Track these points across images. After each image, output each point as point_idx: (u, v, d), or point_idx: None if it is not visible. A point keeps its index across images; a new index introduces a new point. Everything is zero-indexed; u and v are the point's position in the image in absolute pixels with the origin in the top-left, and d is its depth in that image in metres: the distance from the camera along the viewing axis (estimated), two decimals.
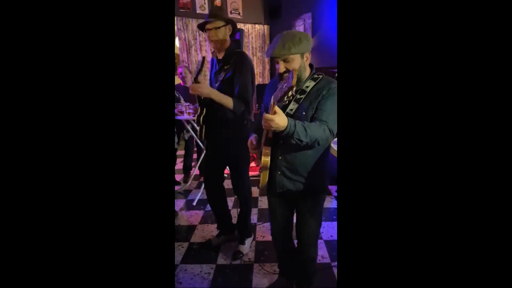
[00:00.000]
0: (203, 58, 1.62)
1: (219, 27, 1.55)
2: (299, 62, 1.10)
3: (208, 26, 1.56)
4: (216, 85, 1.65)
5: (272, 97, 0.96)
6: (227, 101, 1.55)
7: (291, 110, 1.12)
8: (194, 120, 2.75)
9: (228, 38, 1.63)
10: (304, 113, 1.10)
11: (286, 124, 0.95)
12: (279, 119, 0.93)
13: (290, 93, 0.89)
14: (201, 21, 1.66)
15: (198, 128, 1.74)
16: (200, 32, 4.23)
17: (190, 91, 1.56)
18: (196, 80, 1.55)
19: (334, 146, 1.50)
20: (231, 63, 1.60)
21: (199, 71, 1.57)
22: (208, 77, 1.57)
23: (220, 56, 1.66)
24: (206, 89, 1.53)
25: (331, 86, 1.09)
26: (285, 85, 0.90)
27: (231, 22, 1.62)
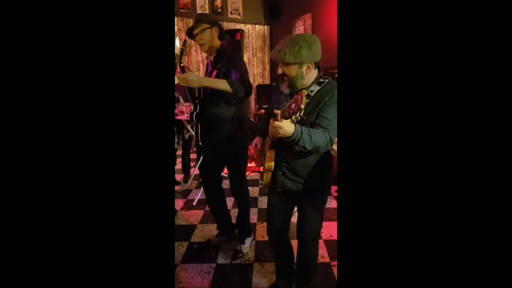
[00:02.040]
0: (185, 39, 1.58)
1: (204, 30, 1.57)
2: (295, 71, 1.09)
3: (194, 31, 1.59)
4: None
5: (280, 111, 0.95)
6: (223, 85, 1.46)
7: (300, 116, 1.11)
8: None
9: (216, 39, 1.64)
10: (305, 117, 1.10)
11: (293, 131, 0.95)
12: (287, 126, 0.93)
13: (298, 115, 0.87)
14: None
15: (191, 128, 1.73)
16: None
17: (178, 82, 1.47)
18: (182, 68, 1.51)
19: (333, 146, 1.51)
20: (223, 62, 1.61)
21: (182, 53, 1.53)
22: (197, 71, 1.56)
23: (212, 58, 1.69)
24: (194, 77, 1.45)
25: (334, 93, 1.08)
26: (293, 104, 0.89)
27: (217, 24, 1.63)
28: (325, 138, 1.03)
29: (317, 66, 1.15)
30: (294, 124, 0.95)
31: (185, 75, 1.45)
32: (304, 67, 1.09)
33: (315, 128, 1.05)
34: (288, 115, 0.91)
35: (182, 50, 1.59)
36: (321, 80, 1.14)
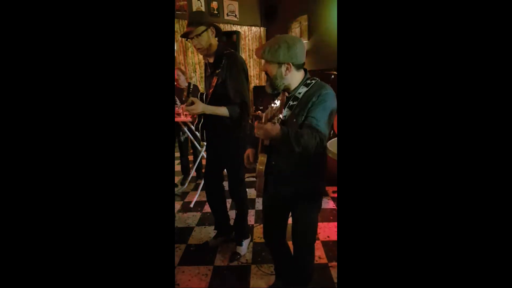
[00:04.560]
0: (189, 84, 1.65)
1: (200, 34, 1.51)
2: (275, 70, 1.09)
3: (190, 35, 1.52)
4: (210, 90, 1.64)
5: (264, 113, 0.97)
6: (222, 111, 1.56)
7: (285, 116, 1.11)
8: (191, 122, 2.77)
9: (213, 41, 1.59)
10: (294, 120, 1.10)
11: (279, 133, 0.96)
12: (271, 128, 0.94)
13: (279, 116, 0.89)
14: None
15: (197, 132, 1.76)
16: None
17: (184, 112, 1.58)
18: (189, 102, 1.54)
19: (331, 148, 1.52)
20: (222, 67, 1.58)
21: (188, 95, 1.56)
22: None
23: (211, 60, 1.64)
24: (199, 108, 1.53)
25: (322, 93, 1.08)
26: (274, 106, 0.91)
27: (212, 24, 1.57)
28: (314, 138, 1.02)
29: (303, 68, 1.16)
30: (281, 126, 0.96)
31: (192, 107, 1.51)
32: (283, 68, 1.09)
33: (305, 129, 1.05)
34: (270, 117, 0.92)
35: (188, 92, 1.58)
36: (308, 81, 1.15)
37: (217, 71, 1.60)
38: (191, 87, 1.55)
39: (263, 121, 0.94)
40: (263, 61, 1.12)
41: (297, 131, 1.00)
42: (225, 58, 1.59)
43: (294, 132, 0.99)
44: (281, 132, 0.96)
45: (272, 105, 0.92)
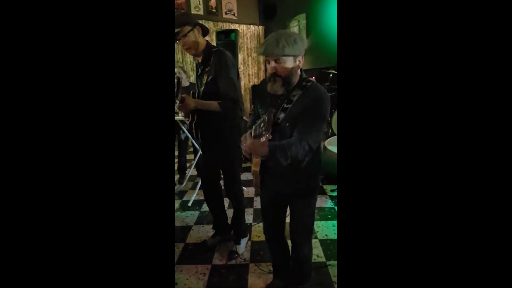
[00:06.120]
0: (178, 79, 1.66)
1: (186, 34, 1.53)
2: (291, 65, 1.05)
3: (177, 36, 1.54)
4: (202, 88, 1.65)
5: (253, 128, 0.98)
6: (214, 106, 1.58)
7: (278, 119, 1.08)
8: (185, 120, 2.77)
9: (200, 40, 1.60)
10: (288, 124, 1.07)
11: (266, 150, 0.96)
12: (259, 144, 0.95)
13: (267, 135, 0.90)
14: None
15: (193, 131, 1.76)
16: None
17: (177, 109, 1.62)
18: (179, 99, 1.56)
19: (331, 148, 1.52)
20: (211, 64, 1.59)
21: (177, 91, 1.60)
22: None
23: (200, 60, 1.66)
24: (191, 103, 1.56)
25: (316, 98, 1.05)
26: (262, 124, 0.92)
27: (198, 24, 1.59)
28: (303, 148, 1.01)
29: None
30: (268, 143, 0.96)
31: (184, 103, 1.54)
32: (297, 61, 1.07)
33: (294, 138, 1.03)
34: (258, 133, 0.92)
35: (177, 89, 1.60)
36: (304, 83, 1.09)
37: (207, 69, 1.62)
38: (181, 84, 1.57)
39: (252, 135, 0.94)
40: (272, 63, 1.05)
41: (283, 145, 0.99)
42: (213, 55, 1.60)
43: (281, 146, 0.98)
44: (268, 149, 0.96)
45: (261, 122, 0.92)
